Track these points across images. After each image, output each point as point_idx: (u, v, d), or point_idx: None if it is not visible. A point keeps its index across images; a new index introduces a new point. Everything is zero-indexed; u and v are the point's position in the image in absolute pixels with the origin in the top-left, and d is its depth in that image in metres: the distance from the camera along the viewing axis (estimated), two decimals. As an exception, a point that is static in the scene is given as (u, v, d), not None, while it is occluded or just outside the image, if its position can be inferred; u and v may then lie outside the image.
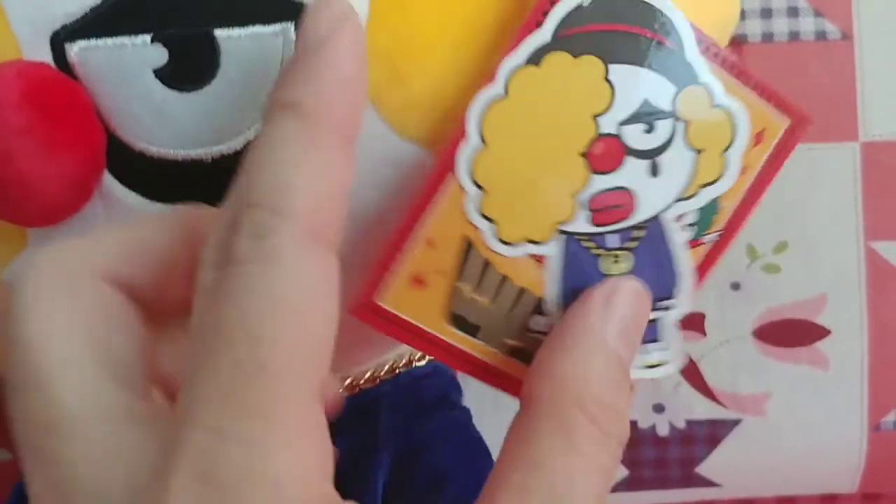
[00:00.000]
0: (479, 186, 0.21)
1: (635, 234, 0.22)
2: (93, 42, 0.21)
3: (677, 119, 0.22)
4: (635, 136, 0.22)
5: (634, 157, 0.22)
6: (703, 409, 0.41)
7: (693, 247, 0.23)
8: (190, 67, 0.21)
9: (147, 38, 0.21)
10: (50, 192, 0.21)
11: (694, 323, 0.40)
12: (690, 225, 0.23)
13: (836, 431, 0.41)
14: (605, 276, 0.22)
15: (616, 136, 0.22)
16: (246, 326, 0.17)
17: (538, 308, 0.23)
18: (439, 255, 0.22)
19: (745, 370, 0.41)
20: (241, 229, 0.18)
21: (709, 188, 0.23)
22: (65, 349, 0.18)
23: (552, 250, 0.22)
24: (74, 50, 0.22)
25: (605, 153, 0.22)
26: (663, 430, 0.41)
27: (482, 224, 0.22)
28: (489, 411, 0.40)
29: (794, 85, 0.39)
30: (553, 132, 0.21)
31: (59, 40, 0.22)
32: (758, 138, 0.23)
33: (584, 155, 0.22)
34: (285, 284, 0.17)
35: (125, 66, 0.22)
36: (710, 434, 0.41)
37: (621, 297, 0.22)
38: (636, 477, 0.42)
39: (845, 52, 0.39)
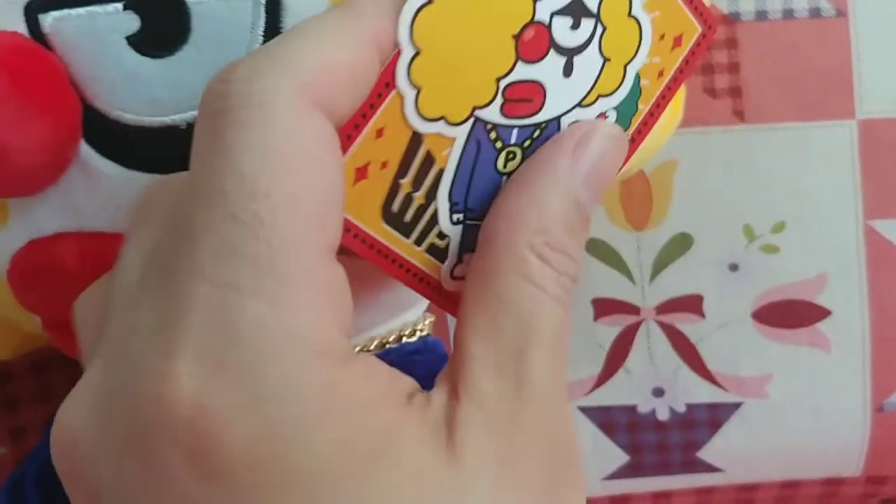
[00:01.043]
0: (416, 51, 0.20)
1: (535, 133, 0.22)
2: (65, 12, 0.21)
3: (598, 22, 0.22)
4: (562, 30, 0.22)
5: (555, 53, 0.22)
6: (703, 393, 0.41)
7: None
8: (161, 33, 0.21)
9: (118, 5, 0.21)
10: (26, 161, 0.21)
11: (692, 305, 0.40)
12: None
13: (839, 413, 0.41)
14: (498, 173, 0.22)
15: (546, 26, 0.21)
16: (237, 177, 0.17)
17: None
18: (385, 146, 0.21)
19: (746, 352, 0.40)
20: (236, 75, 0.17)
21: (605, 99, 0.23)
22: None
23: (461, 133, 0.22)
24: (48, 21, 0.22)
25: (534, 41, 0.21)
26: (663, 415, 0.41)
27: (407, 90, 0.21)
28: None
29: (788, 63, 0.39)
30: (489, 14, 0.21)
31: (33, 11, 0.22)
32: (676, 42, 0.24)
33: (515, 38, 0.21)
34: (274, 132, 0.17)
35: (98, 35, 0.22)
36: (712, 418, 0.41)
37: (596, 139, 0.21)
38: (637, 462, 0.41)
39: (840, 29, 0.39)
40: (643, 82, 0.24)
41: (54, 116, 0.21)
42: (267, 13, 0.22)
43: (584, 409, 0.41)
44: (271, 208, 0.17)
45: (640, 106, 0.24)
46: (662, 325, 0.40)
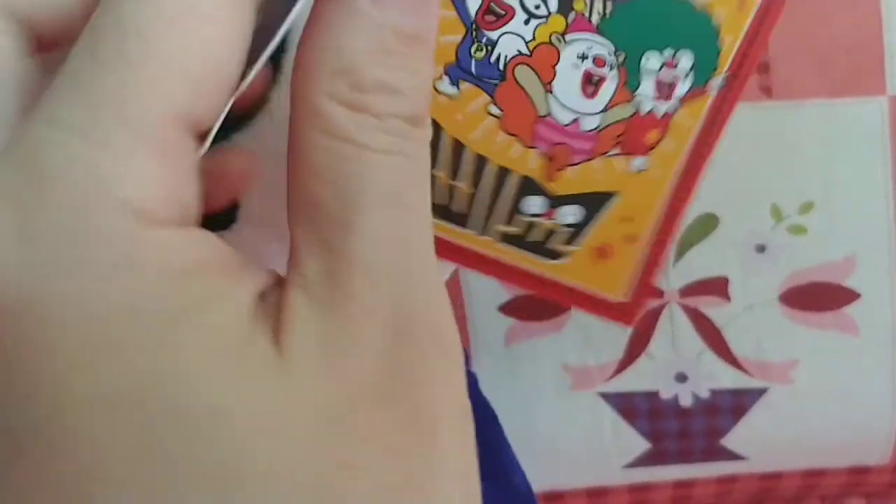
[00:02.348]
0: None
1: None
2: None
3: None
4: None
5: None
6: (727, 378, 0.39)
7: (694, 97, 0.21)
8: None
9: None
10: None
11: (717, 288, 0.39)
12: (688, 71, 0.21)
13: (867, 400, 0.40)
14: None
15: None
16: (115, 21, 0.15)
17: (526, 188, 0.21)
18: None
19: (772, 336, 0.39)
20: None
21: None
22: None
23: None
24: None
25: None
26: (686, 401, 0.40)
27: None
28: (505, 376, 0.38)
29: (818, 37, 0.37)
30: None
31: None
32: None
33: None
34: None
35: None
36: (736, 404, 0.40)
37: None
38: (659, 450, 0.40)
39: (871, 2, 0.37)
40: (718, 12, 0.20)
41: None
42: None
43: (604, 395, 0.40)
44: (135, 44, 0.15)
45: (725, 37, 0.20)
46: (686, 309, 0.39)
